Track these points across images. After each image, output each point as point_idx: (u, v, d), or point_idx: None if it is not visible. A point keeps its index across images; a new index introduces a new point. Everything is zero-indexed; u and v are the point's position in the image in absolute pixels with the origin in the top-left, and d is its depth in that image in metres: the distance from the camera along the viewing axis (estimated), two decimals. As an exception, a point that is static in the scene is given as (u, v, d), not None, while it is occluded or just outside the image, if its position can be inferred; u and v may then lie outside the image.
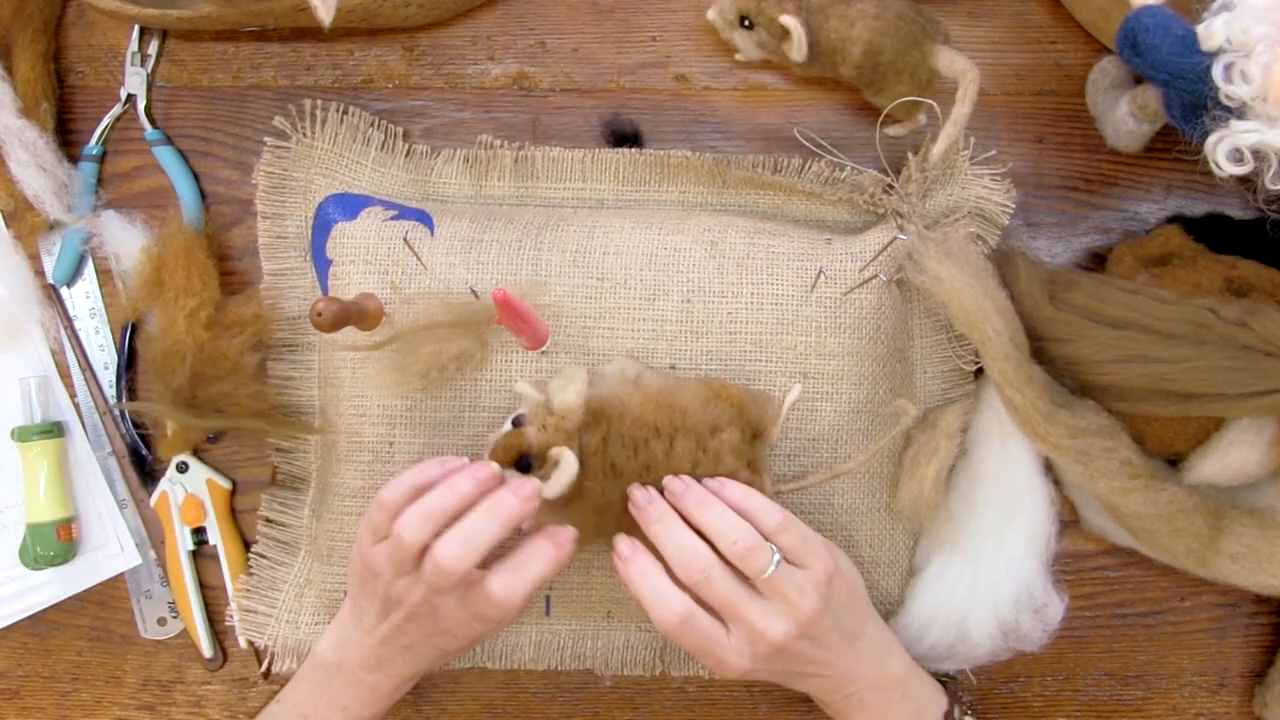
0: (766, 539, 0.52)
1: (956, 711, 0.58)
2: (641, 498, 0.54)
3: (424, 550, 0.50)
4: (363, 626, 0.56)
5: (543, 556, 0.52)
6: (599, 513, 0.55)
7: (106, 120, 0.66)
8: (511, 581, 0.51)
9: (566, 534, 0.53)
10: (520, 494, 0.51)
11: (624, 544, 0.54)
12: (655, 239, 0.60)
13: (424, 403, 0.60)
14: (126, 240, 0.64)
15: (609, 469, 0.54)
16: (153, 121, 0.66)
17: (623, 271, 0.59)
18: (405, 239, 0.59)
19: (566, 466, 0.51)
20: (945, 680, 0.61)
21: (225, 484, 0.66)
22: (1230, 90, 0.50)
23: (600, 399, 0.54)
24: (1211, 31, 0.51)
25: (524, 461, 0.53)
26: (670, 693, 0.67)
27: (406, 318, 0.58)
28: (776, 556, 0.52)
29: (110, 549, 0.66)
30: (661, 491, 0.54)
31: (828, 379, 0.59)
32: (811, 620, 0.52)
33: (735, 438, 0.55)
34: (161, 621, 0.67)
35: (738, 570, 0.52)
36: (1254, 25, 0.49)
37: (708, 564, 0.52)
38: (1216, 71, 0.51)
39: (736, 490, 0.54)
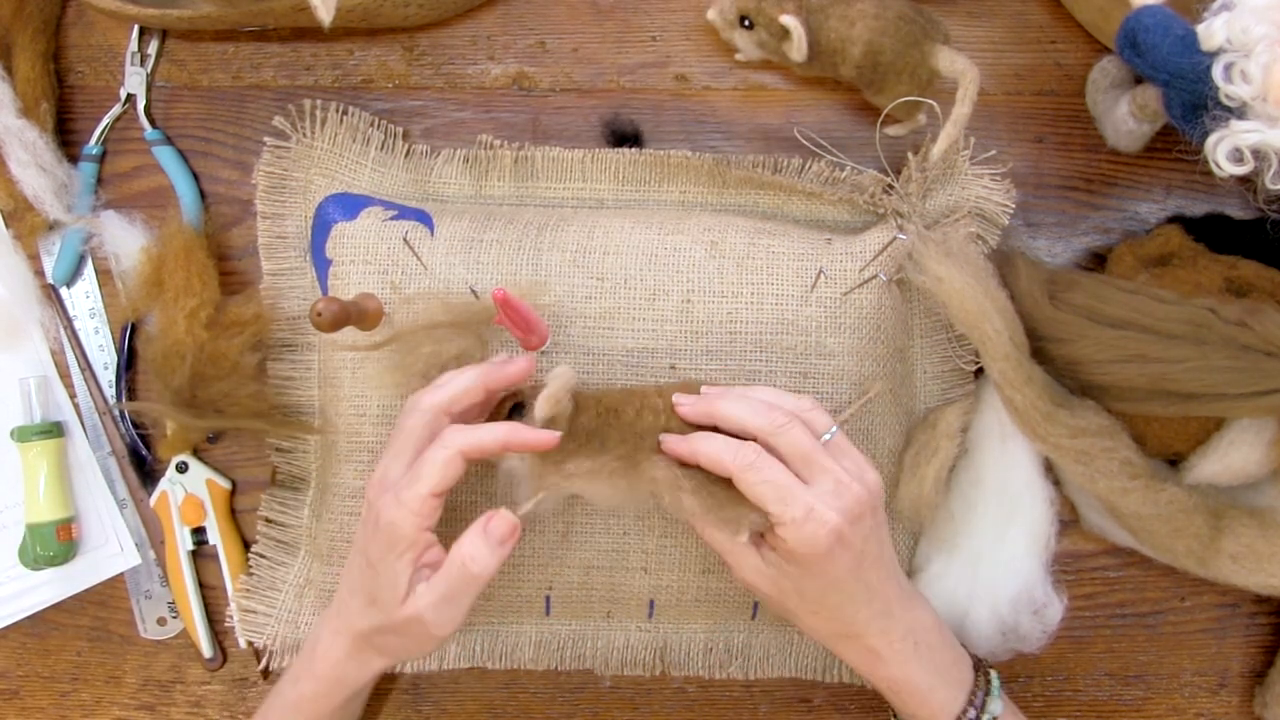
0: None
1: (981, 664, 0.57)
2: (687, 397, 0.54)
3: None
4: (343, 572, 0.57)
5: (478, 368, 0.53)
6: (597, 453, 0.54)
7: (106, 120, 0.66)
8: (434, 390, 0.52)
9: (519, 360, 0.54)
10: (514, 361, 0.53)
11: (670, 437, 0.53)
12: (655, 239, 0.60)
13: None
14: (126, 240, 0.64)
15: (605, 411, 0.54)
16: (153, 121, 0.66)
17: (623, 271, 0.59)
18: (405, 239, 0.59)
19: (560, 376, 0.52)
20: None
21: (225, 484, 0.66)
22: (1230, 90, 0.50)
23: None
24: (1211, 31, 0.51)
25: (517, 406, 0.54)
26: (670, 693, 0.67)
27: (406, 318, 0.58)
28: (835, 426, 0.53)
29: (110, 549, 0.66)
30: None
31: (828, 379, 0.59)
32: (879, 491, 0.53)
33: None
34: (161, 621, 0.67)
35: None
36: (1254, 25, 0.49)
37: (786, 412, 0.52)
38: (1216, 71, 0.51)
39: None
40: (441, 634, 0.52)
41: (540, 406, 0.52)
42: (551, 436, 0.51)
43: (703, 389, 0.55)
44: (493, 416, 0.55)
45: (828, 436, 0.53)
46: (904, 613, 0.54)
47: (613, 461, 0.53)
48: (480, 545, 0.51)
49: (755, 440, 0.52)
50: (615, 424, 0.54)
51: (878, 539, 0.53)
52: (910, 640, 0.54)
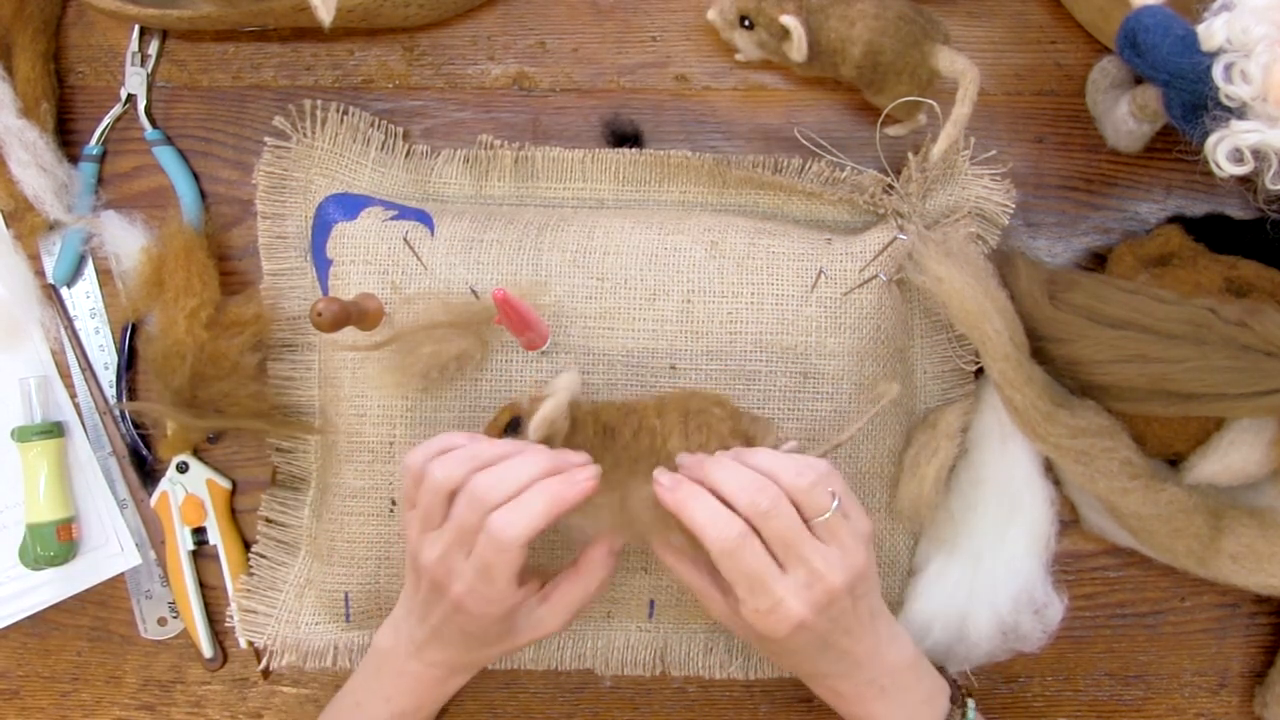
0: None
1: (958, 695, 0.57)
2: (686, 456, 0.53)
3: (452, 494, 0.51)
4: (408, 610, 0.56)
5: (547, 491, 0.49)
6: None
7: (106, 120, 0.66)
8: (512, 516, 0.49)
9: (581, 471, 0.51)
10: (574, 477, 0.50)
11: (664, 475, 0.51)
12: (655, 239, 0.60)
13: (424, 403, 0.60)
14: (126, 240, 0.64)
15: (601, 429, 0.54)
16: (153, 121, 0.66)
17: (623, 271, 0.59)
18: (405, 239, 0.59)
19: (558, 394, 0.51)
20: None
21: (225, 484, 0.66)
22: (1230, 90, 0.50)
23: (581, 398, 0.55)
24: (1211, 31, 0.51)
25: (514, 422, 0.54)
26: (670, 693, 0.67)
27: (406, 318, 0.58)
28: (836, 501, 0.51)
29: (110, 549, 0.66)
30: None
31: (828, 379, 0.59)
32: (862, 574, 0.51)
33: (723, 414, 0.54)
34: (161, 621, 0.67)
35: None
36: (1254, 25, 0.49)
37: (776, 495, 0.49)
38: (1216, 71, 0.51)
39: (791, 454, 0.53)
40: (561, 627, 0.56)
41: (534, 429, 0.52)
42: (586, 487, 0.51)
43: (687, 459, 0.53)
44: (489, 427, 0.55)
45: (824, 518, 0.50)
46: (875, 662, 0.54)
47: (600, 497, 0.52)
48: (606, 561, 0.55)
49: None
50: (611, 446, 0.54)
51: (853, 612, 0.52)
52: (876, 685, 0.54)
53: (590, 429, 0.54)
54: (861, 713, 0.55)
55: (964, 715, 0.56)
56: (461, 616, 0.53)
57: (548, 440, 0.53)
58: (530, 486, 0.50)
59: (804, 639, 0.51)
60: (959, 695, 0.57)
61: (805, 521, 0.50)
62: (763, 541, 0.50)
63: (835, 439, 0.57)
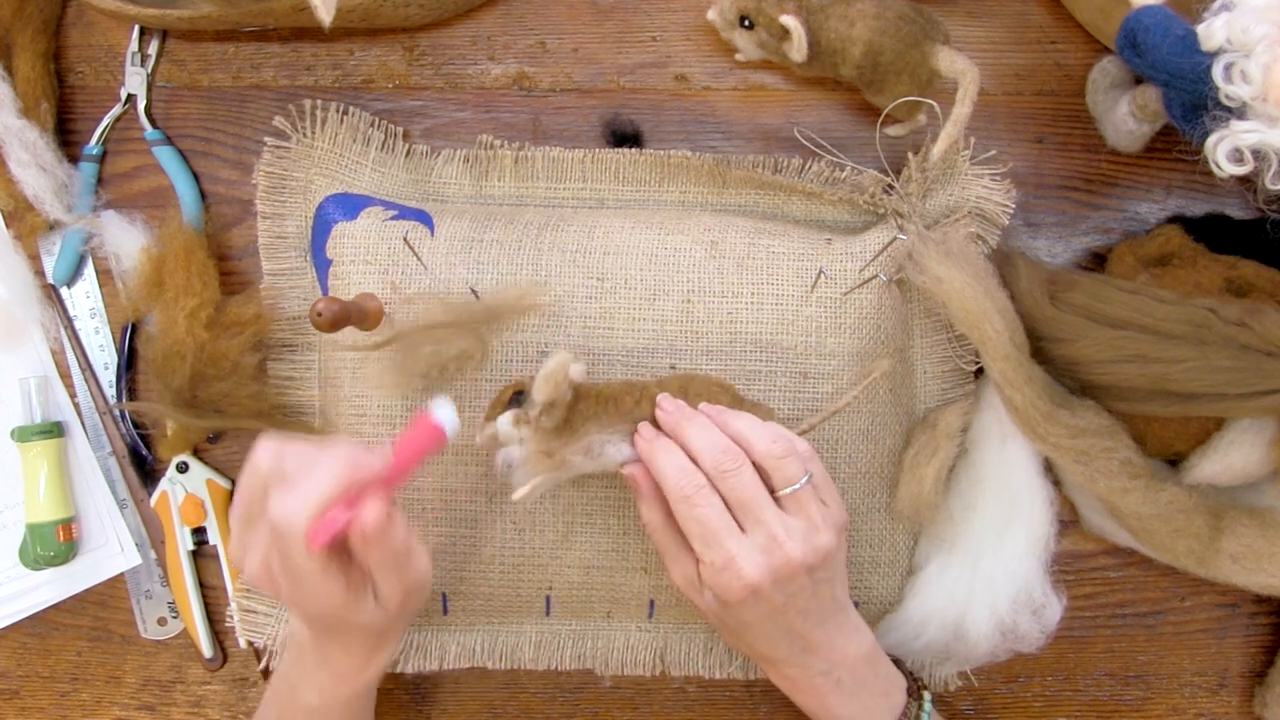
0: None
1: (915, 689, 0.57)
2: (669, 404, 0.53)
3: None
4: None
5: (328, 468, 0.44)
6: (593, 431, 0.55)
7: (106, 120, 0.66)
8: (288, 501, 0.44)
9: (370, 458, 0.45)
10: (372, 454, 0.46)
11: (647, 428, 0.53)
12: (655, 239, 0.60)
13: (424, 403, 0.59)
14: (126, 240, 0.64)
15: (604, 401, 0.54)
16: (153, 121, 0.66)
17: (623, 271, 0.59)
18: (405, 239, 0.59)
19: (556, 358, 0.51)
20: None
21: (225, 484, 0.66)
22: (1230, 90, 0.50)
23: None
24: (1211, 31, 0.51)
25: (518, 396, 0.54)
26: (670, 693, 0.67)
27: (406, 318, 0.58)
28: (807, 475, 0.51)
29: (110, 549, 0.66)
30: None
31: (828, 379, 0.59)
32: (825, 555, 0.51)
33: (722, 390, 0.55)
34: (161, 621, 0.67)
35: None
36: (1254, 25, 0.49)
37: (740, 458, 0.50)
38: (1216, 71, 0.51)
39: (772, 424, 0.53)
40: (425, 576, 0.51)
41: (538, 388, 0.52)
42: (378, 517, 0.45)
43: (701, 406, 0.54)
44: (494, 404, 0.55)
45: (794, 488, 0.50)
46: (829, 651, 0.54)
47: (605, 434, 0.53)
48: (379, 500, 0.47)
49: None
50: (614, 411, 0.54)
51: (812, 593, 0.52)
52: (832, 676, 0.54)
53: (593, 400, 0.54)
54: (817, 704, 0.55)
55: (920, 708, 0.56)
56: (294, 597, 0.48)
57: (552, 406, 0.53)
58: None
59: (758, 611, 0.51)
60: (915, 689, 0.57)
61: (773, 491, 0.51)
62: (725, 502, 0.50)
63: (830, 407, 0.57)
